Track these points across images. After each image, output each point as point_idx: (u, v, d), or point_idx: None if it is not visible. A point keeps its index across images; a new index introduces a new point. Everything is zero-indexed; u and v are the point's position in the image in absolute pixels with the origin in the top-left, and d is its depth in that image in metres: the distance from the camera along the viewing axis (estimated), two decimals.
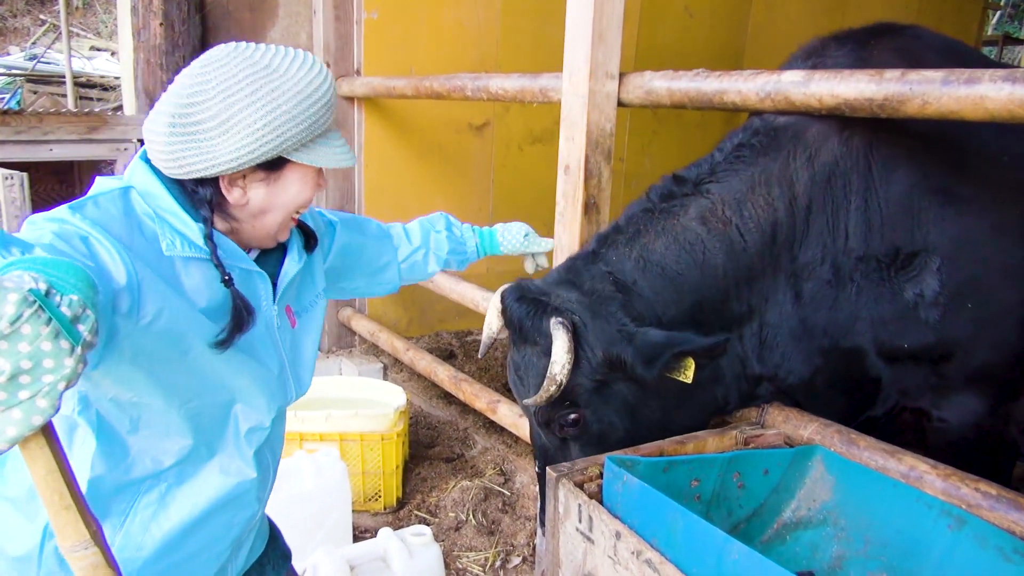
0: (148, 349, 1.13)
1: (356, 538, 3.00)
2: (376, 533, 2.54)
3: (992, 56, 10.01)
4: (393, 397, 3.48)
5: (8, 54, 10.48)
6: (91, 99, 8.59)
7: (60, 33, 8.34)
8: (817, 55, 2.21)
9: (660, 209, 2.12)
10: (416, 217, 2.09)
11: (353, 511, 2.92)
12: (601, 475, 1.76)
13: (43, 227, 1.05)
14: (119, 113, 4.40)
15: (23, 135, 3.78)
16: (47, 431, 0.82)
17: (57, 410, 0.79)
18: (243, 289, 1.28)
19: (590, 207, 2.57)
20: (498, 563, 2.93)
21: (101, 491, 1.23)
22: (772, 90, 1.99)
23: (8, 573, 1.23)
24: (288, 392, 1.42)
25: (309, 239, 1.47)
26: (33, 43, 10.85)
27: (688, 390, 2.01)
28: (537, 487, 2.27)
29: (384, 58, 4.47)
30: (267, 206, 1.27)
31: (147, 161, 1.24)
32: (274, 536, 1.66)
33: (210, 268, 1.23)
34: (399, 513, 3.28)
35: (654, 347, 1.86)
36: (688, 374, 1.90)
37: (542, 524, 2.21)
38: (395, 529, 2.56)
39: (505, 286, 2.06)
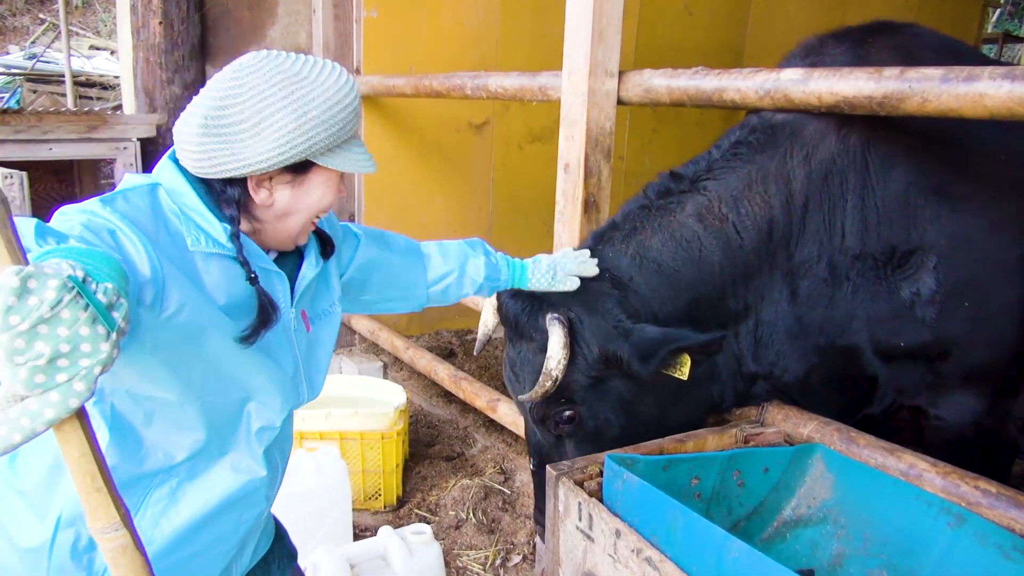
0: (168, 342, 1.15)
1: (356, 537, 3.01)
2: (376, 532, 2.54)
3: (992, 54, 10.01)
4: (393, 396, 3.48)
5: (7, 53, 10.48)
6: (90, 98, 8.59)
7: (59, 32, 8.34)
8: (815, 53, 2.21)
9: (657, 206, 2.12)
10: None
11: (353, 510, 2.92)
12: (601, 473, 1.76)
13: (73, 219, 1.08)
14: (118, 112, 4.40)
15: (22, 134, 3.78)
16: (80, 415, 0.84)
17: (92, 394, 0.81)
18: (265, 288, 1.30)
19: (590, 205, 2.57)
20: (498, 561, 2.93)
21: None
22: (771, 88, 1.99)
23: (19, 564, 1.24)
24: (301, 394, 1.44)
25: (326, 246, 1.49)
26: (32, 42, 10.85)
27: (684, 387, 2.02)
28: None
29: (383, 57, 4.47)
30: (291, 208, 1.30)
31: (175, 161, 1.28)
32: (280, 535, 1.67)
33: (230, 265, 1.25)
34: (399, 512, 3.28)
35: (650, 343, 1.87)
36: (684, 371, 1.90)
37: (537, 523, 2.21)
38: (395, 528, 2.56)
39: None
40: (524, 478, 3.42)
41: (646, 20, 5.30)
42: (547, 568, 1.90)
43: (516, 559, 2.95)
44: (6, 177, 3.28)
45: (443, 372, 3.63)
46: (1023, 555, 1.52)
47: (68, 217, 1.09)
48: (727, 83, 2.10)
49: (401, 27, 4.50)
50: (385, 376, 4.39)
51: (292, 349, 1.40)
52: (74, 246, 0.93)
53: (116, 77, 8.93)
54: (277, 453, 1.44)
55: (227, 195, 1.25)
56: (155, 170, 1.28)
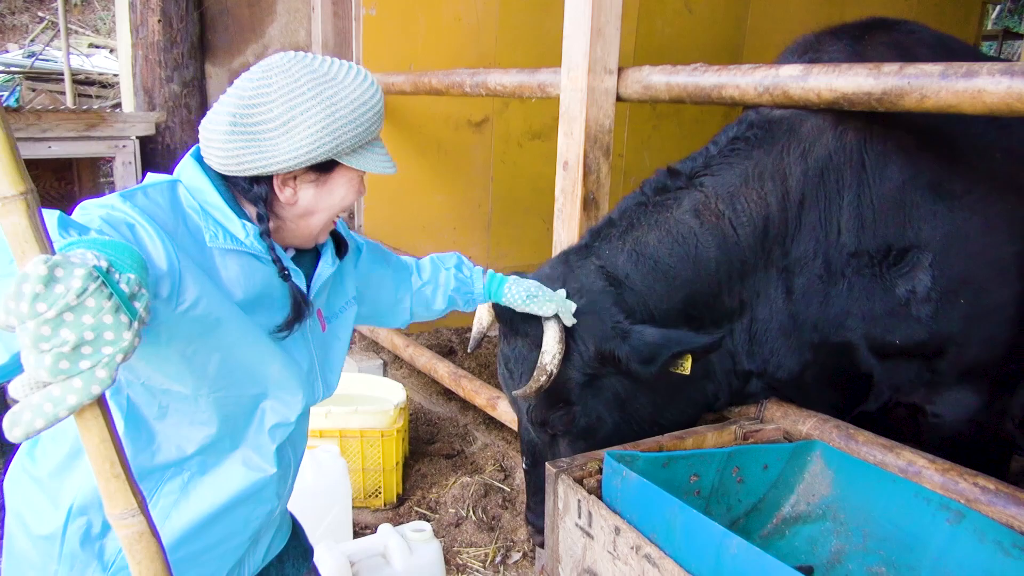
0: (184, 335, 1.17)
1: (356, 534, 3.01)
2: (376, 529, 2.54)
3: (992, 50, 10.01)
4: (393, 393, 3.48)
5: (6, 51, 10.47)
6: (90, 96, 8.59)
7: (58, 30, 8.33)
8: (813, 50, 2.21)
9: (653, 202, 2.11)
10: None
11: (353, 507, 2.93)
12: (600, 470, 1.76)
13: (93, 213, 1.11)
14: (117, 110, 4.40)
15: (22, 132, 3.78)
16: (100, 402, 0.86)
17: (114, 381, 0.83)
18: (281, 285, 1.33)
19: (589, 203, 2.57)
20: (498, 559, 2.94)
21: None
22: (770, 84, 1.98)
23: (32, 551, 1.27)
24: (316, 391, 1.46)
25: (340, 246, 1.51)
26: (31, 40, 10.84)
27: (679, 386, 2.02)
28: None
29: (382, 54, 4.47)
30: (314, 207, 1.33)
31: (198, 159, 1.30)
32: (296, 532, 1.68)
33: (248, 262, 1.28)
34: (399, 509, 3.28)
35: (651, 347, 1.86)
36: (687, 366, 1.90)
37: (529, 523, 2.21)
38: (395, 525, 2.57)
39: None
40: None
41: (646, 18, 5.30)
42: (547, 565, 1.90)
43: (516, 556, 2.95)
44: None
45: (443, 370, 3.63)
46: (1022, 552, 1.52)
47: (88, 211, 1.11)
48: (726, 79, 2.10)
49: (400, 24, 4.50)
50: (385, 374, 4.39)
51: (308, 347, 1.42)
52: (97, 237, 0.95)
53: (115, 75, 8.93)
54: (290, 451, 1.46)
55: (253, 193, 1.28)
56: (177, 168, 1.31)
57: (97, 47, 10.71)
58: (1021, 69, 1.52)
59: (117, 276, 0.84)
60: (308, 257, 1.45)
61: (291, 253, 1.41)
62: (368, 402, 3.45)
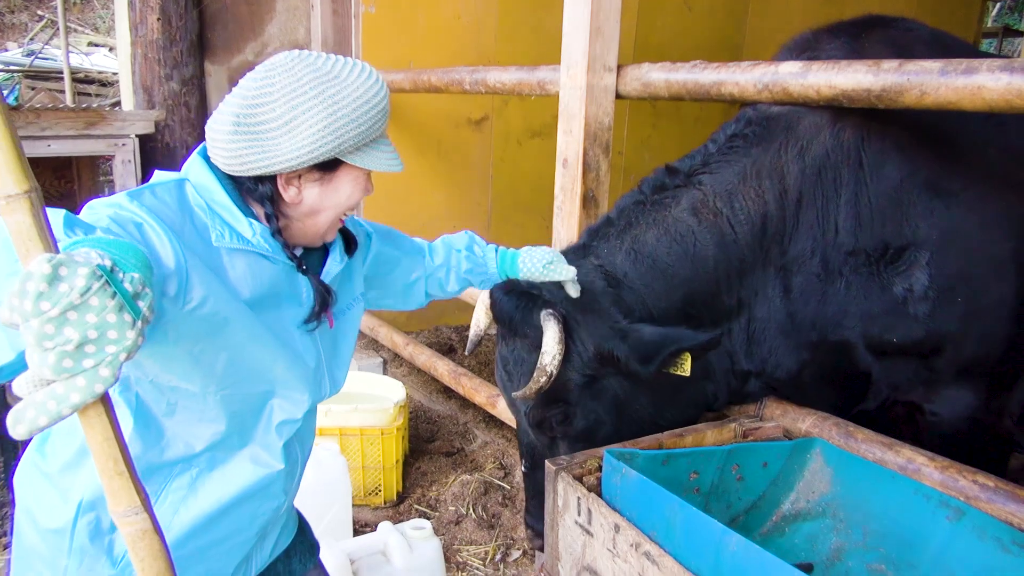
0: (191, 333, 1.18)
1: (356, 532, 3.01)
2: (376, 527, 2.54)
3: (992, 48, 10.00)
4: (393, 392, 3.48)
5: (6, 50, 10.46)
6: (89, 95, 8.59)
7: (58, 29, 8.32)
8: (810, 48, 2.21)
9: (652, 201, 2.11)
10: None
11: (353, 505, 2.93)
12: (600, 468, 1.76)
13: (100, 212, 1.11)
14: (117, 108, 4.40)
15: (21, 131, 3.77)
16: (104, 400, 0.86)
17: (117, 380, 0.83)
18: (288, 283, 1.34)
19: (588, 200, 2.57)
20: (498, 556, 2.94)
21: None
22: (770, 81, 1.98)
23: (42, 545, 1.28)
24: (323, 388, 1.46)
25: (349, 243, 1.52)
26: (31, 39, 10.83)
27: (678, 386, 2.01)
28: None
29: (382, 52, 4.46)
30: (319, 206, 1.33)
31: (205, 158, 1.30)
32: (302, 528, 1.69)
33: (255, 261, 1.28)
34: (399, 507, 3.29)
35: (649, 346, 1.86)
36: (686, 366, 1.90)
37: (528, 526, 2.20)
38: (395, 523, 2.57)
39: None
40: None
41: (645, 15, 5.29)
42: (546, 563, 1.90)
43: (516, 554, 2.96)
44: None
45: (443, 368, 3.63)
46: (1021, 549, 1.52)
47: (96, 210, 1.12)
48: (725, 76, 2.10)
49: (399, 22, 4.49)
50: (385, 372, 4.39)
51: (315, 344, 1.42)
52: (102, 237, 0.96)
53: (114, 73, 8.92)
54: (298, 447, 1.46)
55: (258, 192, 1.28)
56: (184, 167, 1.31)
57: (96, 45, 10.70)
58: (1020, 65, 1.52)
59: (121, 275, 0.84)
60: (316, 255, 1.45)
61: (299, 252, 1.41)
62: (368, 400, 3.45)
